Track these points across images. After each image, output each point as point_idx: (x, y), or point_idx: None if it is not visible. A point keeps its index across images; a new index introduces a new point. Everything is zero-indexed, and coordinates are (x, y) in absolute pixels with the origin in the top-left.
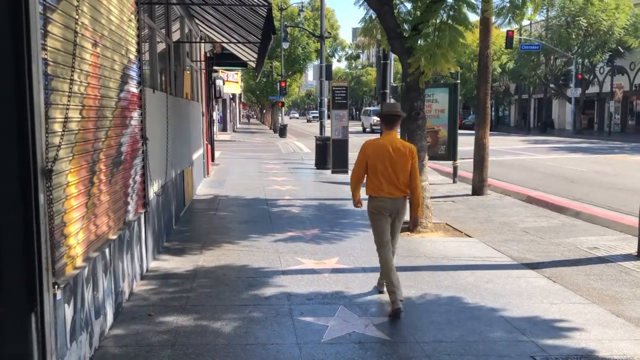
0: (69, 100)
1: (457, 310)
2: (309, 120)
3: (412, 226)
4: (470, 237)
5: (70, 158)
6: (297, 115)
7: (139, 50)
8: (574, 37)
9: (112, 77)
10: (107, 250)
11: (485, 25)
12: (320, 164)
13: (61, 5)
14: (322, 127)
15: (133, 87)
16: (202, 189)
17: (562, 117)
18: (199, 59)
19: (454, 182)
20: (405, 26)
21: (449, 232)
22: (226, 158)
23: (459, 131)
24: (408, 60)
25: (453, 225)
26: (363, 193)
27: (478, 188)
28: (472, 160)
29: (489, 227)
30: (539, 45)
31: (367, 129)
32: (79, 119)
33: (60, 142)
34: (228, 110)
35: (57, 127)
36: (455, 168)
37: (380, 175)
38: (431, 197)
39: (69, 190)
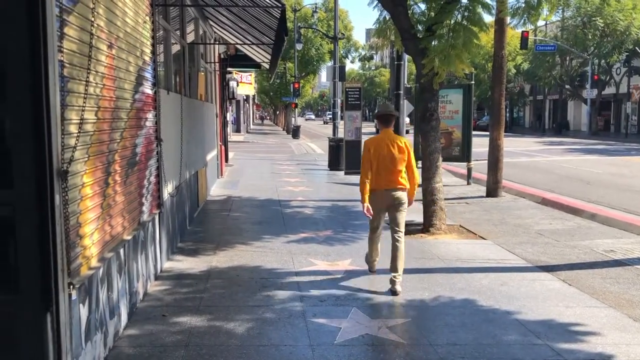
0: (84, 102)
1: (471, 312)
2: (325, 122)
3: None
4: (484, 239)
5: (86, 159)
6: (312, 116)
7: (153, 52)
8: (590, 37)
9: (127, 78)
10: (121, 251)
11: (500, 26)
12: (333, 165)
13: (77, 7)
14: (335, 128)
15: (148, 89)
16: (216, 190)
17: (578, 118)
18: (213, 61)
19: (468, 183)
20: (419, 27)
21: (462, 234)
22: (240, 159)
23: (473, 132)
24: (422, 61)
25: (467, 227)
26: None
27: (492, 190)
28: (486, 161)
29: (503, 229)
30: (554, 45)
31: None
32: (94, 121)
33: (75, 144)
34: (242, 112)
35: (73, 129)
36: (469, 169)
37: (382, 169)
38: (445, 199)
39: (84, 191)
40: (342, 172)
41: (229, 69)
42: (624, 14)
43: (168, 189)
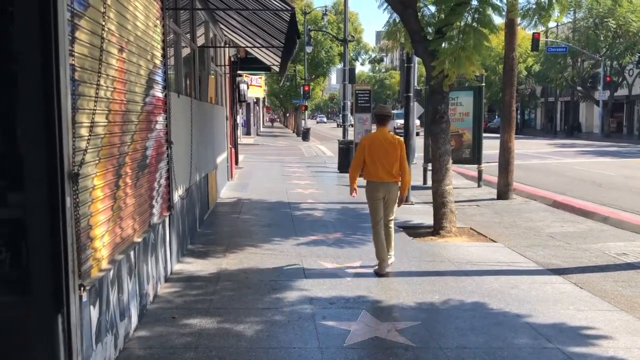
0: (95, 105)
1: (481, 316)
2: (339, 125)
3: (399, 202)
4: (495, 242)
5: (97, 162)
6: (324, 119)
7: (164, 55)
8: (602, 38)
9: (138, 82)
10: (132, 253)
11: (510, 28)
12: (343, 167)
13: (88, 12)
14: (345, 130)
15: (158, 92)
16: (226, 192)
17: (590, 120)
18: (223, 64)
19: (479, 186)
20: (429, 29)
21: (473, 236)
22: (250, 161)
23: (484, 134)
24: (432, 64)
25: (477, 229)
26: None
27: (503, 192)
28: (497, 164)
29: (514, 232)
30: (565, 47)
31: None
32: (105, 124)
33: (86, 146)
34: (252, 114)
35: (84, 132)
36: (480, 172)
37: (377, 163)
38: (455, 201)
39: (95, 194)
40: None
41: (239, 71)
42: (636, 15)
43: (178, 192)
